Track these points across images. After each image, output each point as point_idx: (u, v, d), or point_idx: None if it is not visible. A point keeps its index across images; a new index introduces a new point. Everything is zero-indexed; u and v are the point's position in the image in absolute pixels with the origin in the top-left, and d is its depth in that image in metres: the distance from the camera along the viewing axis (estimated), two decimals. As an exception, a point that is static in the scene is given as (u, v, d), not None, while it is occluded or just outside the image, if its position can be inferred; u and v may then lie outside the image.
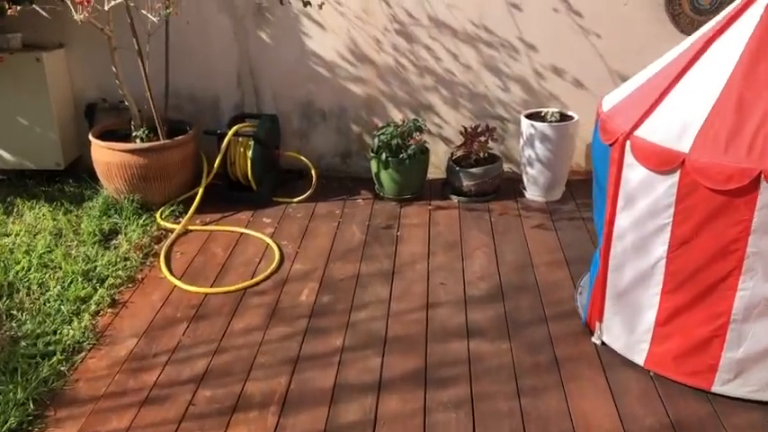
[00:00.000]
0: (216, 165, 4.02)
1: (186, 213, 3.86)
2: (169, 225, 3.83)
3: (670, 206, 2.39)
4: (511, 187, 4.31)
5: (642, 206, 2.48)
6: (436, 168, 4.48)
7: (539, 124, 3.96)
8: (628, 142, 2.48)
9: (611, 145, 2.57)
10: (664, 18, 3.99)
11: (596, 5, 4.02)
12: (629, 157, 2.48)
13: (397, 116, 4.37)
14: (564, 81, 4.22)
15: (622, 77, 4.15)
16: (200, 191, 3.98)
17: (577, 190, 4.24)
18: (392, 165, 4.02)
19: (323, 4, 3.88)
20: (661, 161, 2.37)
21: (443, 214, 4.00)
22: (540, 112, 4.15)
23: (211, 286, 3.26)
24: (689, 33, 3.96)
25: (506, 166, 4.34)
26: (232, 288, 3.22)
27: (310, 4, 3.77)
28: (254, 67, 4.33)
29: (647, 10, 4.01)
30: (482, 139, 4.11)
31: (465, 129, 4.15)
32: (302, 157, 4.26)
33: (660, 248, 2.47)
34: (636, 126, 2.48)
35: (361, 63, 4.27)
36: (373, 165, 4.14)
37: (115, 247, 3.58)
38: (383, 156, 4.02)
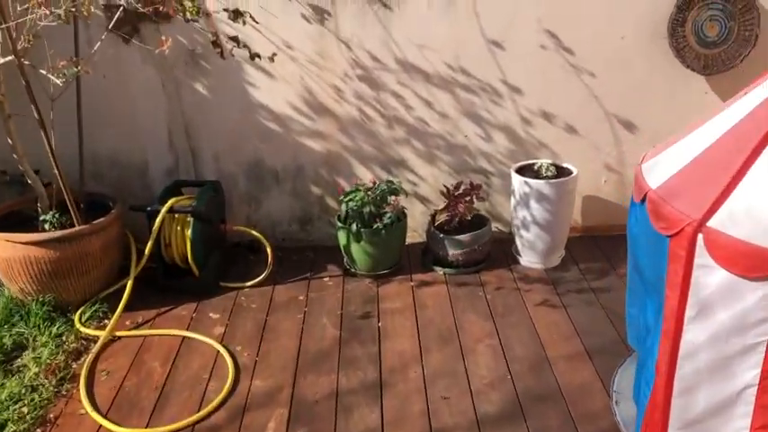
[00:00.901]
0: (147, 250, 3.26)
1: (112, 314, 3.09)
2: (91, 332, 3.05)
3: (764, 321, 1.81)
4: (501, 250, 3.71)
5: (723, 319, 1.89)
6: (413, 231, 3.84)
7: (534, 182, 3.37)
8: (700, 236, 1.88)
9: (671, 236, 1.97)
10: (666, 52, 3.47)
11: (589, 40, 3.48)
12: (703, 257, 1.88)
13: (365, 174, 3.71)
14: (555, 127, 3.65)
15: (621, 120, 3.62)
16: (129, 284, 3.21)
17: (577, 250, 3.68)
18: (365, 237, 3.36)
19: (275, 55, 3.21)
20: (752, 264, 1.79)
21: (430, 293, 3.35)
22: (533, 164, 3.57)
23: (148, 425, 2.51)
24: (696, 69, 3.47)
25: (494, 225, 3.74)
26: (175, 427, 2.48)
27: (259, 56, 3.09)
28: (190, 125, 3.60)
29: (647, 43, 3.49)
30: (467, 199, 3.49)
31: (447, 189, 3.53)
32: (254, 232, 3.53)
33: (749, 373, 1.88)
34: (709, 214, 1.89)
35: (319, 115, 3.60)
36: (341, 236, 3.47)
37: (19, 371, 2.78)
38: (353, 227, 3.35)
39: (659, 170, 2.20)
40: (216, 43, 2.98)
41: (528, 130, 3.65)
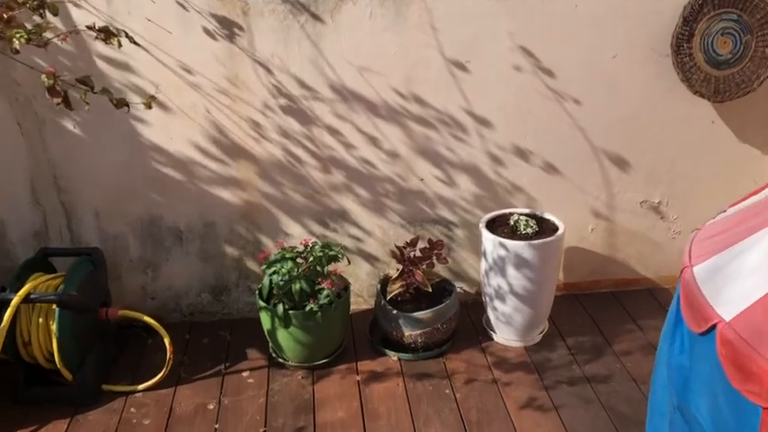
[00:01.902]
0: (-6, 356, 2.39)
1: (-58, 452, 2.21)
2: None
3: None
4: (468, 319, 2.97)
5: None
6: (358, 296, 3.06)
7: (511, 243, 2.63)
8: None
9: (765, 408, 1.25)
10: (669, 73, 2.79)
11: (574, 60, 2.77)
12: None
13: (295, 230, 2.91)
14: (531, 166, 2.93)
15: (611, 156, 2.92)
16: (-31, 405, 2.33)
17: (562, 317, 2.97)
18: (296, 322, 2.56)
19: (152, 98, 2.36)
20: None
21: (382, 392, 2.58)
22: (507, 216, 2.84)
23: None
24: (705, 94, 2.79)
25: (458, 286, 2.99)
26: None
27: (128, 105, 2.21)
28: (60, 174, 2.72)
29: (644, 63, 2.80)
30: (426, 264, 2.74)
31: (399, 250, 2.76)
32: (146, 318, 2.67)
33: None
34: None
35: (233, 157, 2.78)
36: (264, 319, 2.66)
37: None
38: (280, 308, 2.55)
39: (728, 284, 1.47)
40: (54, 90, 1.95)
41: (498, 170, 2.92)
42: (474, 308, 3.04)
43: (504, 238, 2.66)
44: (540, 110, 2.83)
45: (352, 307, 2.87)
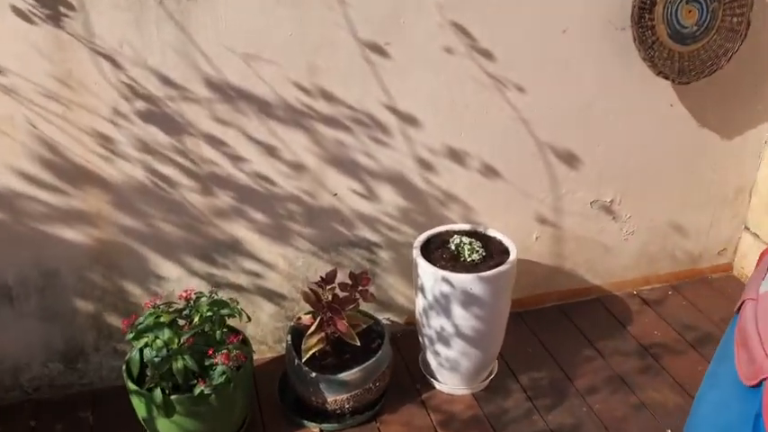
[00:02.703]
0: None
1: None
2: None
3: None
4: (400, 359, 2.42)
5: None
6: (261, 344, 2.42)
7: (458, 278, 2.07)
8: None
9: None
10: (628, 51, 2.30)
11: (516, 37, 2.21)
12: None
13: (171, 271, 2.21)
14: (466, 170, 2.37)
15: (559, 152, 2.43)
16: None
17: (510, 349, 2.47)
18: (181, 409, 1.89)
19: None
20: None
21: (303, 485, 1.98)
22: (445, 236, 2.27)
23: None
24: (669, 76, 2.33)
25: (383, 318, 2.42)
26: None
27: None
28: None
29: (599, 39, 2.29)
30: (350, 308, 2.13)
31: (314, 293, 2.13)
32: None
33: None
34: None
35: (75, 184, 2.02)
36: (138, 405, 1.96)
37: None
38: (157, 394, 1.86)
39: None
40: None
41: (429, 177, 2.34)
42: (406, 343, 2.49)
43: (447, 270, 2.09)
44: (476, 101, 2.26)
45: (254, 357, 2.23)
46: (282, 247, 2.30)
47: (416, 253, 2.18)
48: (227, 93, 2.02)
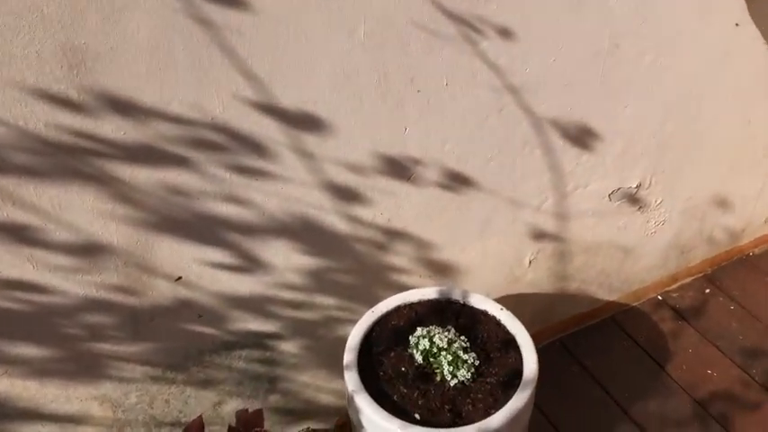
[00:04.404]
0: None
1: None
2: None
3: None
4: None
5: None
6: None
7: None
8: None
9: None
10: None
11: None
12: None
13: None
14: (416, 187, 1.32)
15: (565, 128, 1.42)
16: None
17: None
18: None
19: None
20: None
21: None
22: (396, 324, 1.25)
23: None
24: None
25: (304, 428, 1.45)
26: None
27: None
28: None
29: None
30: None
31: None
32: None
33: None
34: None
35: None
36: None
37: None
38: None
39: None
40: None
41: (350, 211, 1.28)
42: (343, 464, 1.52)
43: (417, 425, 1.09)
44: (428, 69, 1.17)
45: None
46: (92, 384, 1.21)
47: (350, 379, 1.15)
48: None
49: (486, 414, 1.09)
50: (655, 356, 1.79)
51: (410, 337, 1.20)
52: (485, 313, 1.28)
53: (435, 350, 1.16)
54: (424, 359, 1.17)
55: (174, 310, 1.20)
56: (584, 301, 1.82)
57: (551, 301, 1.75)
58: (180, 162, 1.05)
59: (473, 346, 1.20)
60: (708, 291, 1.98)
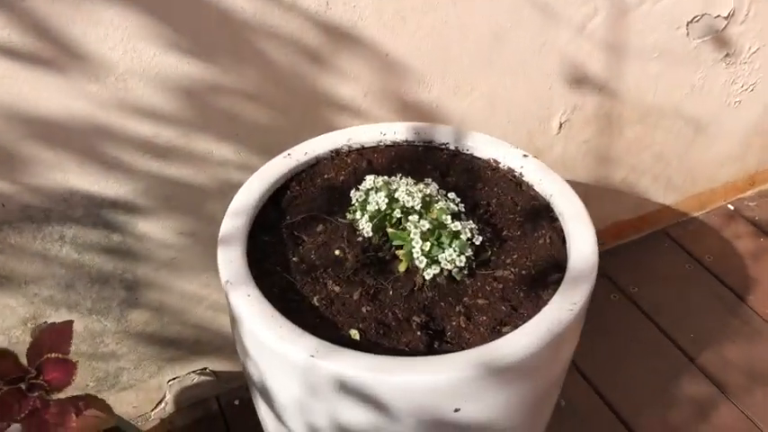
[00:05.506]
0: None
1: None
2: None
3: None
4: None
5: None
6: None
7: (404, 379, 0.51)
8: None
9: None
10: None
11: None
12: None
13: None
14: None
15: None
16: None
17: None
18: None
19: None
20: None
21: None
22: (340, 169, 0.68)
23: None
24: None
25: (196, 372, 0.90)
26: None
27: None
28: None
29: None
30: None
31: None
32: None
33: None
34: None
35: None
36: None
37: None
38: None
39: None
40: None
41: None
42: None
43: (347, 347, 0.52)
44: None
45: None
46: None
47: (227, 264, 0.58)
48: None
49: (494, 334, 0.52)
50: (730, 284, 1.23)
51: (351, 193, 0.63)
52: (493, 166, 0.71)
53: (399, 214, 0.59)
54: (375, 232, 0.60)
55: None
56: (629, 201, 1.25)
57: (584, 196, 1.17)
58: None
59: (471, 217, 0.64)
60: (796, 200, 1.42)
